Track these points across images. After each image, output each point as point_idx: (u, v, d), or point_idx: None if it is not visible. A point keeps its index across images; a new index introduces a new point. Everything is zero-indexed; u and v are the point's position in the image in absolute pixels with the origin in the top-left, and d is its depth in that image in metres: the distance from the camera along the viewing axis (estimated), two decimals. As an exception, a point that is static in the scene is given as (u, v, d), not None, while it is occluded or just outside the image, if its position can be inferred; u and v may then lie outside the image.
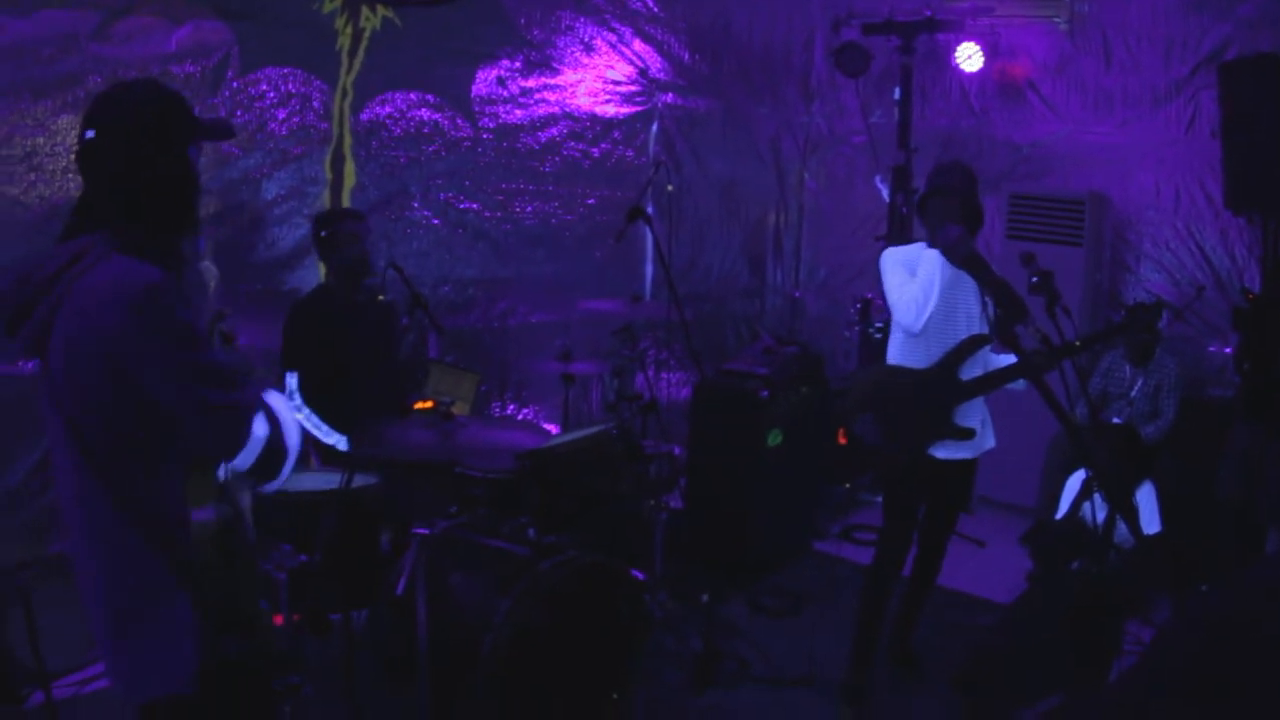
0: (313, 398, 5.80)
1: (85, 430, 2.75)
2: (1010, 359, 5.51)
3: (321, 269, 6.81)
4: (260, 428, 2.88)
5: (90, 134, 2.88)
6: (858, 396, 5.61)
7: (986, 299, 5.39)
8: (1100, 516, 6.23)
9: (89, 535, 2.84)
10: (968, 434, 5.51)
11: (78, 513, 2.84)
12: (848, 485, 9.29)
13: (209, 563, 2.88)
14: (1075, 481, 7.28)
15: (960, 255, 5.16)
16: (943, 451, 5.53)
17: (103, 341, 2.68)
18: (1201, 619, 2.25)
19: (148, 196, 2.87)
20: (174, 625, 2.81)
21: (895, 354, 5.68)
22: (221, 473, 3.00)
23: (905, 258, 5.55)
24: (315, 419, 5.73)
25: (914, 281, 5.36)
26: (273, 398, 3.03)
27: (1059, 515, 7.21)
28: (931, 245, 5.48)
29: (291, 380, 5.80)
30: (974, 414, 5.56)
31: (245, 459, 2.88)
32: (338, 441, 5.74)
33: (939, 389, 5.44)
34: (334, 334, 5.89)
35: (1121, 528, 6.58)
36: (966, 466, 5.75)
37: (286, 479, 3.03)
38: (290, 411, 3.05)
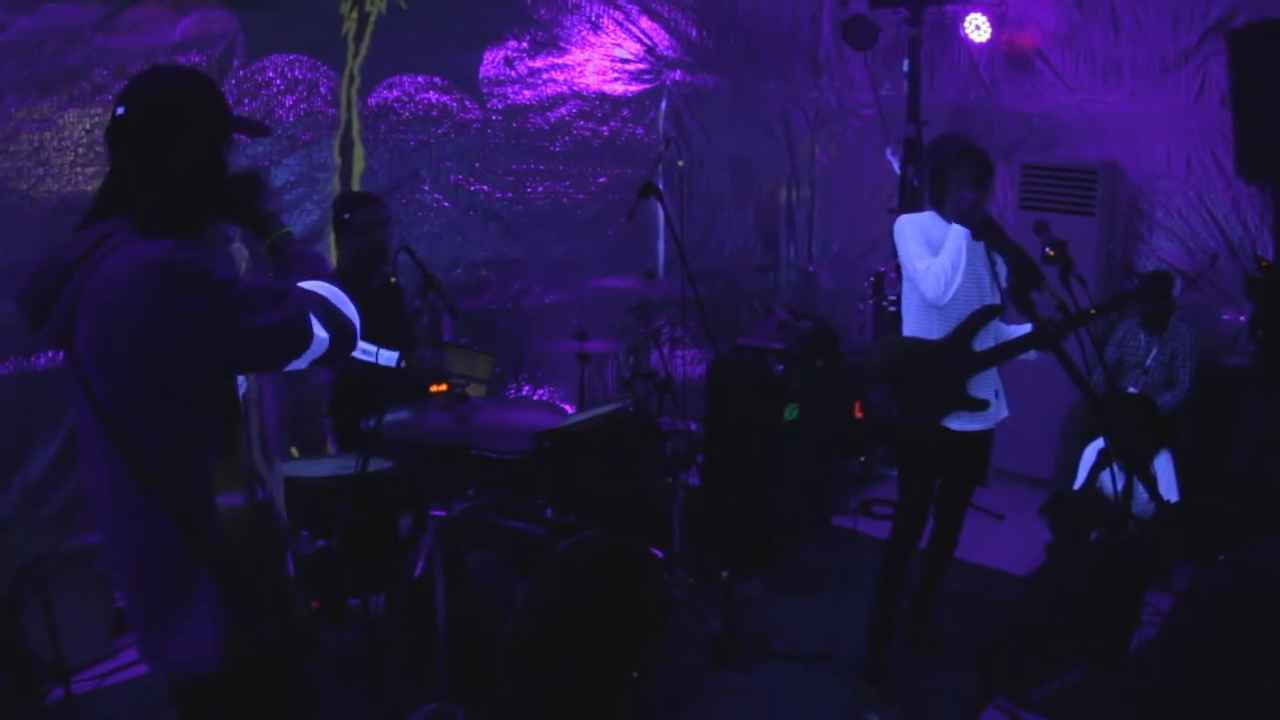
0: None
1: (114, 416, 2.72)
2: (1022, 329, 5.50)
3: (334, 253, 6.81)
4: (320, 329, 2.88)
5: (121, 110, 2.85)
6: (873, 368, 5.59)
7: (998, 268, 5.39)
8: (1119, 486, 6.23)
9: (119, 522, 2.83)
10: (982, 405, 5.50)
11: (108, 500, 2.82)
12: (863, 459, 9.28)
13: (239, 546, 2.88)
14: (1092, 451, 7.27)
15: (975, 222, 5.16)
16: (957, 423, 5.52)
17: (129, 321, 2.64)
18: (1214, 593, 2.24)
19: (171, 180, 2.85)
20: (204, 609, 2.81)
21: (912, 325, 5.65)
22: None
23: (922, 226, 5.51)
24: (364, 344, 5.71)
25: (941, 255, 5.31)
26: (313, 286, 3.01)
27: (1076, 486, 7.20)
28: (941, 214, 5.49)
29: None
30: (987, 385, 5.55)
31: (316, 354, 2.91)
32: (391, 358, 5.73)
33: (953, 360, 5.43)
34: (361, 304, 5.88)
35: (1139, 498, 6.59)
36: (982, 438, 5.74)
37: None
38: (335, 291, 3.04)
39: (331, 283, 3.06)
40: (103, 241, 2.74)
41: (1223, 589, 2.27)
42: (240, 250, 3.28)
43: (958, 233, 5.24)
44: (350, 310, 3.03)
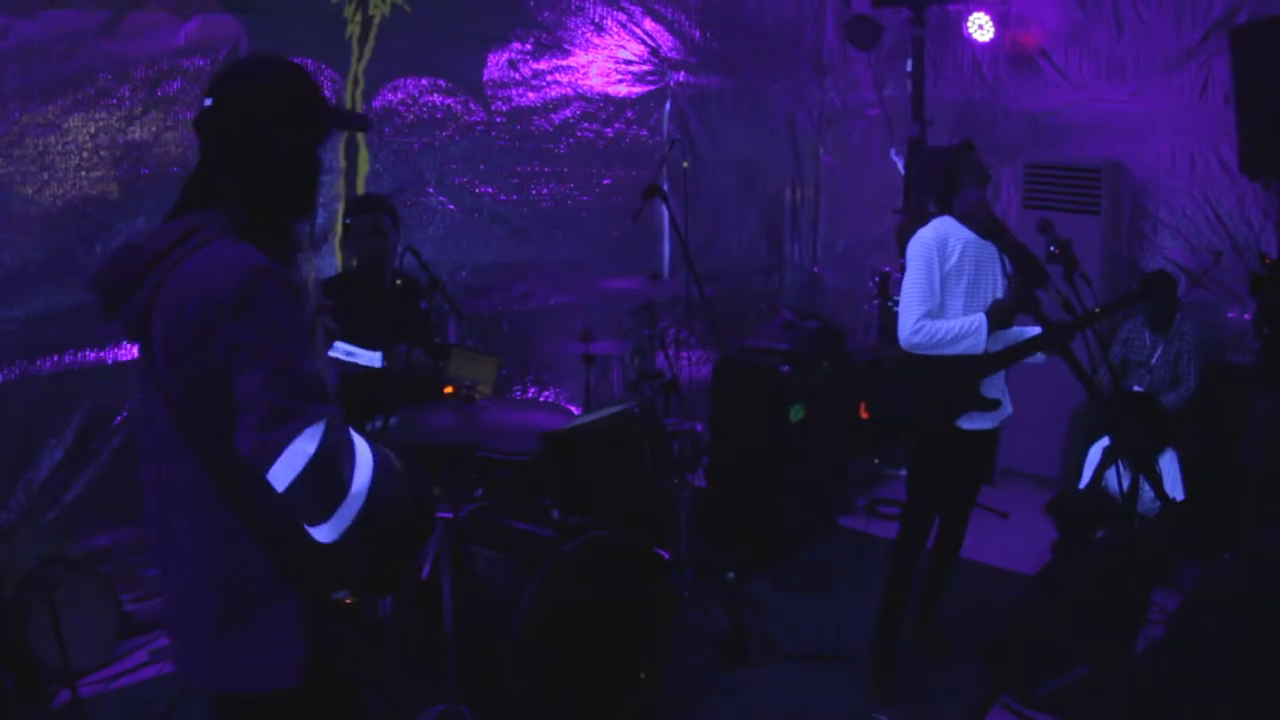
0: (345, 334, 5.79)
1: (190, 416, 2.65)
2: (1032, 331, 5.51)
3: (339, 255, 6.83)
4: (309, 443, 2.50)
5: (209, 102, 2.77)
6: (890, 368, 5.62)
7: (1007, 270, 5.40)
8: (1125, 484, 6.23)
9: (193, 527, 2.72)
10: (994, 405, 5.54)
11: (178, 498, 2.73)
12: (877, 460, 9.28)
13: (310, 552, 2.66)
14: (1097, 450, 7.27)
15: (978, 221, 5.17)
16: (967, 423, 5.54)
17: (203, 324, 2.55)
18: (1221, 591, 2.24)
19: (259, 178, 2.76)
20: (284, 620, 2.71)
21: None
22: None
23: (938, 246, 5.40)
24: (348, 347, 5.71)
25: (949, 324, 5.33)
26: (359, 439, 2.67)
27: (1082, 485, 7.19)
28: (942, 212, 5.48)
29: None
30: (996, 384, 5.57)
31: (284, 473, 2.49)
32: (373, 360, 5.72)
33: (967, 360, 5.44)
34: (356, 311, 5.87)
35: (1145, 496, 6.59)
36: (989, 436, 5.77)
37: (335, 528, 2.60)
38: (370, 457, 2.67)
39: (378, 455, 2.71)
40: (191, 235, 2.68)
41: (1229, 587, 2.27)
42: (308, 258, 3.13)
43: (981, 328, 5.30)
44: (359, 476, 2.60)
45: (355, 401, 5.73)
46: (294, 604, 2.71)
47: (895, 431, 5.67)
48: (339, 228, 6.88)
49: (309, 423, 2.51)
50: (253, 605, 2.70)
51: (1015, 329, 5.59)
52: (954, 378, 5.46)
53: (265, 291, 2.56)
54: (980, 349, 5.30)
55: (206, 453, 2.65)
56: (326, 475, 2.53)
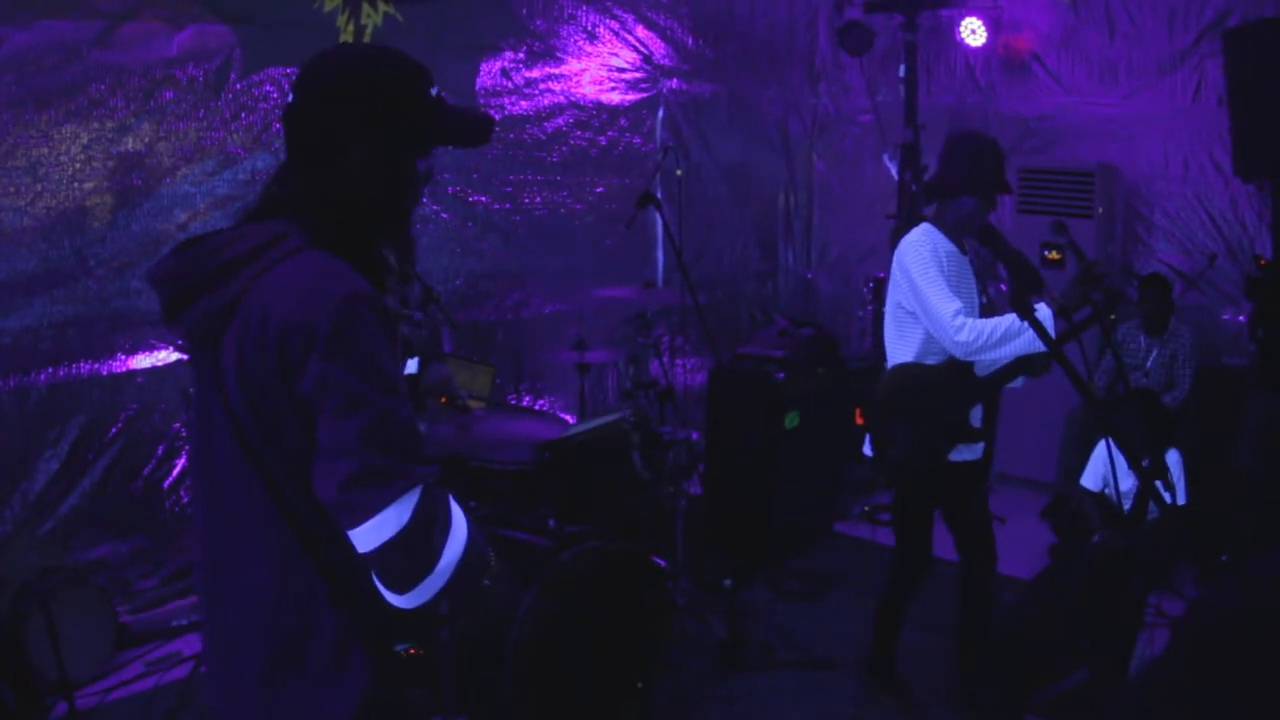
0: None
1: (260, 449, 2.36)
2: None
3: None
4: (406, 511, 2.27)
5: (292, 98, 2.46)
6: (884, 402, 5.34)
7: (986, 284, 5.31)
8: (1124, 487, 6.23)
9: (253, 565, 2.44)
10: (982, 435, 5.36)
11: (242, 536, 2.45)
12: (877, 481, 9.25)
13: (387, 615, 2.42)
14: (1101, 452, 7.25)
15: (974, 228, 5.11)
16: (956, 455, 5.32)
17: (287, 352, 2.28)
18: (1216, 613, 2.22)
19: (340, 189, 2.45)
20: (342, 674, 2.44)
21: (913, 349, 5.27)
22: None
23: (932, 249, 5.10)
24: None
25: (993, 323, 4.83)
26: (456, 508, 2.46)
27: (1087, 485, 7.16)
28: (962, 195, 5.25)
29: None
30: (977, 414, 5.37)
31: (372, 537, 2.26)
32: (410, 365, 5.71)
33: (956, 388, 5.22)
34: None
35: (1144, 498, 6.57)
36: (976, 469, 5.52)
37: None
38: (464, 529, 2.45)
39: (470, 529, 2.50)
40: (274, 244, 2.38)
41: (1231, 605, 2.25)
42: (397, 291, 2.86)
43: (1025, 328, 4.63)
44: (451, 550, 2.38)
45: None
46: (359, 659, 2.46)
47: (891, 471, 5.48)
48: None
49: (406, 489, 2.28)
50: (312, 655, 2.43)
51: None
52: (945, 408, 5.25)
53: (364, 323, 2.30)
54: (1033, 349, 4.80)
55: (279, 493, 2.38)
56: (418, 545, 2.30)
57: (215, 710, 2.61)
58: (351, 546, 2.30)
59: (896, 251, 5.29)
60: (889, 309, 5.39)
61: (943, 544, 5.64)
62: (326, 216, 2.44)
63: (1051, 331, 4.51)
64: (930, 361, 5.22)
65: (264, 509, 2.39)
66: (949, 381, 5.20)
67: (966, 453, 5.36)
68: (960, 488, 5.49)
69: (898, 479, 5.53)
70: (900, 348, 5.32)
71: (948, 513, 5.59)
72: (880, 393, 5.33)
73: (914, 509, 5.54)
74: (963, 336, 4.87)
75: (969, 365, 5.18)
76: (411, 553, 2.29)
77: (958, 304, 4.95)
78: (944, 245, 5.18)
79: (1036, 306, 4.63)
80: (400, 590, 2.32)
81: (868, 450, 5.50)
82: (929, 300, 5.01)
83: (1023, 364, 5.16)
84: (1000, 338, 4.80)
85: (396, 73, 2.49)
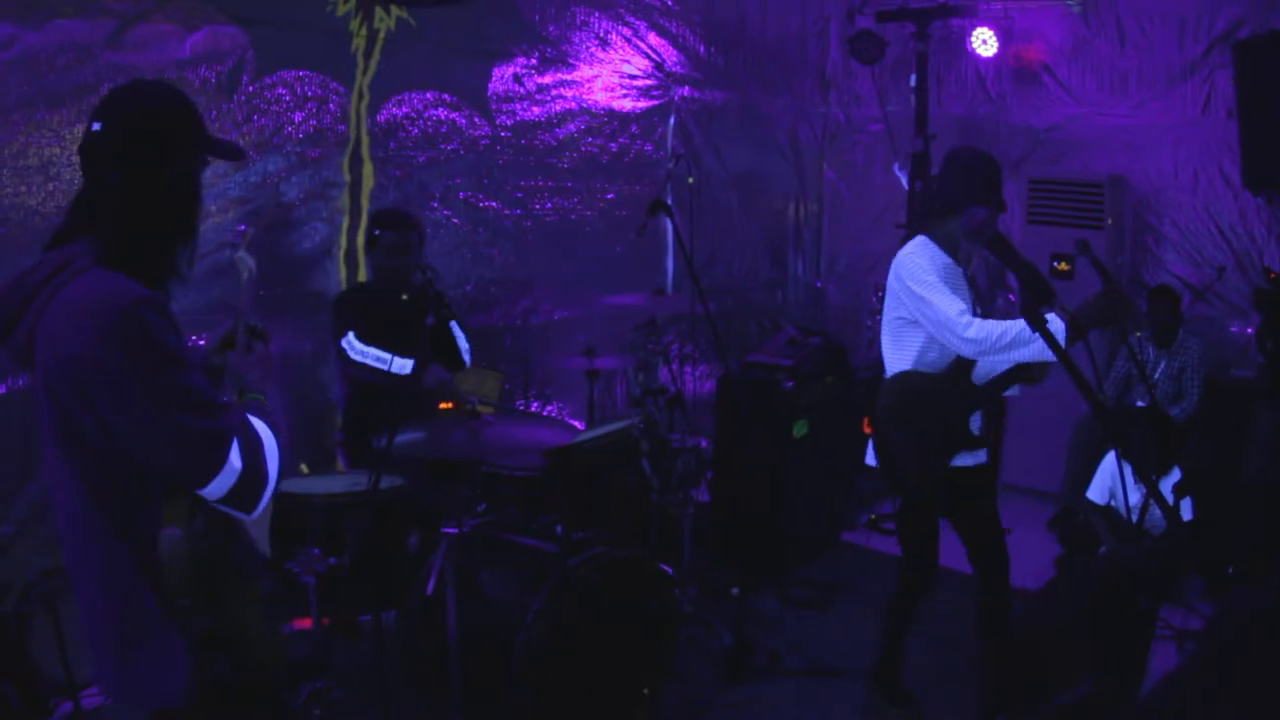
0: (371, 340, 5.81)
1: (71, 449, 2.67)
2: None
3: (343, 270, 6.84)
4: (236, 458, 2.66)
5: (97, 126, 2.78)
6: (888, 413, 5.32)
7: (996, 294, 5.30)
8: (1133, 501, 6.22)
9: (84, 557, 2.76)
10: (983, 442, 5.37)
11: (70, 531, 2.75)
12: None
13: (187, 580, 2.84)
14: (1107, 464, 7.25)
15: (985, 237, 5.10)
16: (959, 460, 5.33)
17: (72, 363, 2.57)
18: (1247, 614, 2.23)
19: (140, 204, 2.73)
20: (165, 646, 2.75)
21: (910, 357, 5.29)
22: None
23: (929, 259, 5.14)
24: (378, 352, 5.72)
25: (1000, 325, 4.76)
26: (257, 423, 2.80)
27: (1093, 499, 7.16)
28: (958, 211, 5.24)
29: (348, 338, 5.80)
30: (976, 420, 5.37)
31: (219, 488, 2.66)
32: (405, 366, 5.73)
33: (957, 396, 5.24)
34: (382, 320, 5.88)
35: (1153, 513, 6.57)
36: (981, 474, 5.48)
37: (274, 495, 2.84)
38: (273, 439, 2.81)
39: (275, 432, 2.86)
40: (63, 268, 2.66)
41: (1263, 606, 2.26)
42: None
43: (1033, 334, 4.37)
44: (273, 463, 2.79)
45: (377, 407, 5.75)
46: (174, 630, 2.77)
47: (894, 479, 5.43)
48: (343, 241, 6.90)
49: (227, 440, 2.66)
50: (139, 632, 2.76)
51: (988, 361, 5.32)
52: (948, 415, 5.24)
53: (144, 322, 2.58)
54: (1042, 358, 4.75)
55: (91, 486, 2.69)
56: (253, 477, 2.72)
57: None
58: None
59: (893, 265, 5.30)
60: (885, 322, 5.40)
61: (954, 555, 5.63)
62: (125, 234, 2.72)
63: (1062, 342, 4.50)
64: (927, 370, 5.23)
65: (89, 509, 2.70)
66: (948, 389, 5.22)
67: (968, 458, 5.36)
68: (965, 494, 5.45)
69: (901, 487, 5.52)
70: (897, 357, 5.32)
71: (955, 520, 5.56)
72: (880, 402, 5.34)
73: (918, 517, 5.52)
74: (971, 334, 4.82)
75: (967, 373, 5.21)
76: (252, 484, 2.72)
77: (961, 304, 4.94)
78: (940, 257, 5.18)
79: (1048, 317, 4.50)
80: (249, 511, 2.76)
81: (871, 459, 5.50)
82: (932, 303, 4.99)
83: (1020, 372, 5.16)
84: (1009, 342, 4.73)
85: (185, 102, 2.90)
